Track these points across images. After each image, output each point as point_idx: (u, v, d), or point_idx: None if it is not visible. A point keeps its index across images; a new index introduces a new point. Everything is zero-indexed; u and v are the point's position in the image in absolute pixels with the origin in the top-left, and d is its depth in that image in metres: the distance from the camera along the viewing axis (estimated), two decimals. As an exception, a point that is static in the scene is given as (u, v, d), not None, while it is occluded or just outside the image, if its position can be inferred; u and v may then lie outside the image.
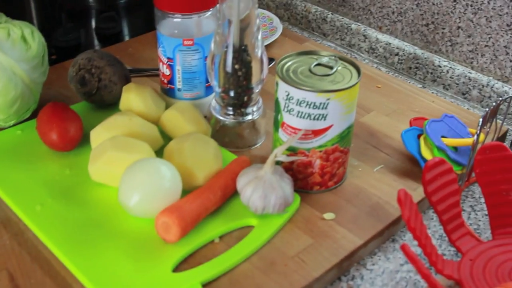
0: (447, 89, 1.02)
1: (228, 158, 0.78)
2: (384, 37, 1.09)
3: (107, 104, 0.88)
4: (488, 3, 0.94)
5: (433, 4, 1.01)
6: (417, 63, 1.05)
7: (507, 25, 0.93)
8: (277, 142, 0.75)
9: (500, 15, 0.93)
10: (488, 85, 0.97)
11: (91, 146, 0.77)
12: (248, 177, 0.69)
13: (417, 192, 0.76)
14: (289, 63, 0.74)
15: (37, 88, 0.86)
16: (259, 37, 0.77)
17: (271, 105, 0.78)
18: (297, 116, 0.70)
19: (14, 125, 0.85)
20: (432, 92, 1.02)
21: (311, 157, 0.73)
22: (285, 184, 0.70)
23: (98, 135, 0.77)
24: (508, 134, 0.91)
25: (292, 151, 0.73)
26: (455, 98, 1.01)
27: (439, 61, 1.02)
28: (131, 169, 0.69)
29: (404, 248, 0.58)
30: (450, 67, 1.01)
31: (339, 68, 0.73)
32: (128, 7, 1.28)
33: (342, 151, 0.74)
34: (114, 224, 0.70)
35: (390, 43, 1.08)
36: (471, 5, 0.96)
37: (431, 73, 1.04)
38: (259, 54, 0.77)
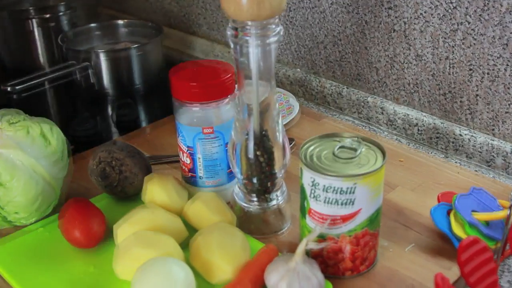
0: (470, 158, 1.01)
1: (255, 246, 0.76)
2: (401, 109, 1.09)
3: (128, 195, 0.87)
4: (505, 70, 0.93)
5: (449, 74, 1.00)
6: (437, 133, 1.04)
7: (527, 92, 0.92)
8: (304, 228, 0.74)
9: (519, 82, 0.92)
10: (512, 152, 0.96)
11: (115, 241, 0.76)
12: (279, 272, 0.67)
13: (452, 272, 0.74)
14: (312, 147, 0.73)
15: (58, 183, 0.86)
16: (279, 121, 0.77)
17: (294, 187, 0.76)
18: (324, 202, 0.69)
19: (35, 221, 0.84)
20: (456, 162, 1.00)
21: (341, 243, 0.71)
22: (316, 271, 0.68)
23: (122, 230, 0.75)
24: (538, 202, 0.89)
25: (321, 237, 0.71)
26: (479, 167, 0.99)
27: (460, 130, 1.01)
28: (142, 271, 0.67)
29: None
30: (472, 136, 1.00)
31: (363, 150, 0.72)
32: (144, 93, 1.29)
33: (372, 234, 0.72)
34: (143, 324, 0.68)
35: (408, 114, 1.07)
36: (488, 73, 0.95)
37: (453, 143, 1.02)
38: (280, 139, 0.77)
